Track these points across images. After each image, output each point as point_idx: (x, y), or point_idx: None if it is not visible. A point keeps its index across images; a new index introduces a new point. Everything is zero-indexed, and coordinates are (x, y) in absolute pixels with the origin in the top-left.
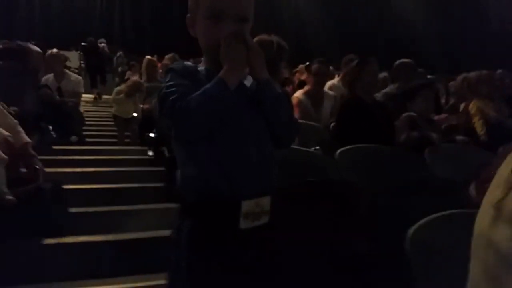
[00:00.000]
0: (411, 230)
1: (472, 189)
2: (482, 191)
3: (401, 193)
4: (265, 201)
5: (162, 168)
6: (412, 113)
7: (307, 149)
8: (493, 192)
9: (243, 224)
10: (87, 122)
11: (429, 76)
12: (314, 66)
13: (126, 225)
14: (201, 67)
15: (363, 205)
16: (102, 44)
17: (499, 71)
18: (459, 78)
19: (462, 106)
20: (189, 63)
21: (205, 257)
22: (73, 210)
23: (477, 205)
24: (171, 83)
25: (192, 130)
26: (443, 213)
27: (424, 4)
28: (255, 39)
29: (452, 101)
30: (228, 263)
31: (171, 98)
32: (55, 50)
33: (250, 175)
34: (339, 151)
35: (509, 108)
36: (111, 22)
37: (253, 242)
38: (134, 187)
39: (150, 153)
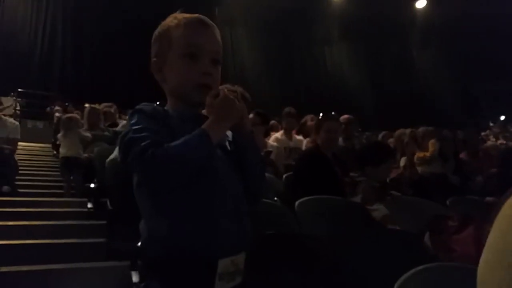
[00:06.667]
0: (398, 284)
1: (427, 240)
2: (437, 243)
3: (360, 245)
4: (240, 259)
5: (103, 222)
6: (373, 183)
7: (267, 200)
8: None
9: (219, 286)
10: (21, 171)
11: (367, 133)
12: (251, 117)
13: (63, 286)
14: (170, 110)
15: (327, 258)
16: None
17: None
18: (397, 133)
19: (402, 160)
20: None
21: None
22: (3, 269)
23: (434, 256)
24: (139, 126)
25: (166, 181)
26: (429, 265)
27: (358, 64)
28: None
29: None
30: None
31: (143, 143)
32: None
33: (227, 231)
34: (298, 202)
35: (455, 163)
36: (50, 69)
37: None
38: (72, 242)
39: (90, 205)
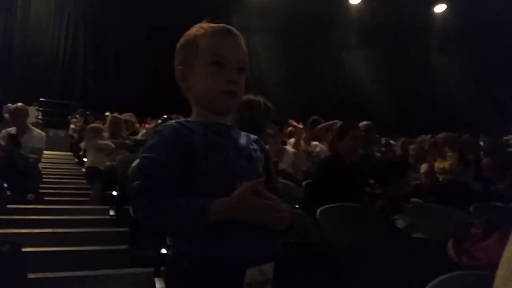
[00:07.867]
0: None
1: (450, 248)
2: (461, 250)
3: (384, 254)
4: (269, 268)
5: (125, 229)
6: (392, 195)
7: None
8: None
9: None
10: (44, 180)
11: (384, 138)
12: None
13: None
14: (194, 121)
15: (351, 267)
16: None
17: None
18: (418, 140)
19: (423, 166)
20: (179, 121)
21: None
22: (31, 275)
23: (456, 264)
24: (151, 154)
25: (157, 227)
26: (453, 273)
27: (376, 70)
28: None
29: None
30: None
31: (140, 184)
32: (20, 104)
33: (254, 239)
34: (320, 210)
35: (474, 170)
36: (72, 78)
37: None
38: (96, 249)
39: (112, 212)
